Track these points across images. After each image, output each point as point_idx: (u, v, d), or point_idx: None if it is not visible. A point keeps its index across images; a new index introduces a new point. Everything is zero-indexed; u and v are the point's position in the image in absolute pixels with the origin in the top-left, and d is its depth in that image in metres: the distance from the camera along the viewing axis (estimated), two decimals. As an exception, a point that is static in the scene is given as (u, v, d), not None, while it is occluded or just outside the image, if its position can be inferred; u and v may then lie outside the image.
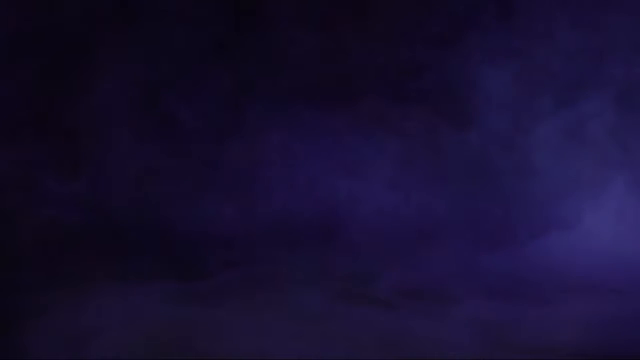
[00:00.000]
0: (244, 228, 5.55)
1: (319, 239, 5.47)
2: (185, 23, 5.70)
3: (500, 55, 5.66)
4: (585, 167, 5.57)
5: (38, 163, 5.48)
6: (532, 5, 5.61)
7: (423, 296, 4.49)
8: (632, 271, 4.88)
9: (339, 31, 5.72)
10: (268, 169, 5.75)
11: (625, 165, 5.54)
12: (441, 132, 5.73)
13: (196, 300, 4.37)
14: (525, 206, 5.58)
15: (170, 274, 4.81)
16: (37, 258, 4.96)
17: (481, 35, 5.65)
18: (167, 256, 5.17)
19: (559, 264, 5.01)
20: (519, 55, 5.65)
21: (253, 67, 5.74)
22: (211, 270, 4.91)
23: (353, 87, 5.75)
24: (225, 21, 5.71)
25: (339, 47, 5.73)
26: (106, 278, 4.66)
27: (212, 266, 4.98)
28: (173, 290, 4.52)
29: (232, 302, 4.35)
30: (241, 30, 5.71)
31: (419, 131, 5.74)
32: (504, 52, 5.65)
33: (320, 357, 3.54)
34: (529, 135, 5.66)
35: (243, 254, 5.24)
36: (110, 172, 5.61)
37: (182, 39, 5.69)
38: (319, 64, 5.74)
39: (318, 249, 5.33)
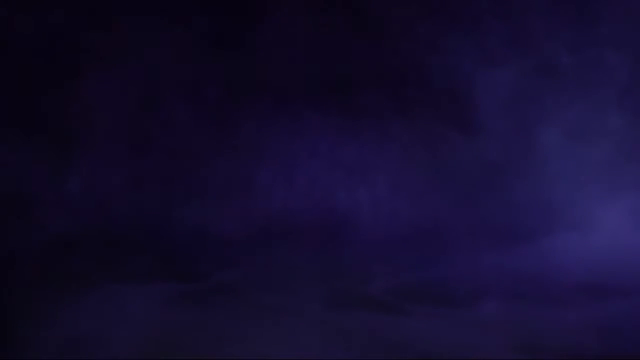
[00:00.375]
0: (243, 228, 5.55)
1: (318, 239, 5.47)
2: (185, 23, 5.70)
3: (502, 56, 5.65)
4: (595, 167, 5.56)
5: (33, 165, 5.48)
6: (534, 5, 5.60)
7: (424, 298, 4.47)
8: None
9: (339, 32, 5.72)
10: (268, 168, 5.74)
11: (635, 165, 5.52)
12: (442, 132, 5.72)
13: (195, 302, 4.36)
14: (532, 207, 5.57)
15: (168, 275, 4.80)
16: (35, 260, 4.96)
17: (482, 37, 5.65)
18: (165, 257, 5.16)
19: (566, 265, 4.99)
20: (522, 56, 5.65)
21: (253, 67, 5.73)
22: (210, 271, 4.91)
23: (354, 88, 5.75)
24: (225, 20, 5.71)
25: (340, 48, 5.73)
26: (105, 280, 4.65)
27: (211, 267, 4.97)
28: (171, 292, 4.52)
29: (232, 303, 4.34)
30: (241, 30, 5.71)
31: (420, 131, 5.73)
32: (506, 53, 5.65)
33: (321, 358, 3.54)
34: (535, 135, 5.65)
35: (243, 254, 5.24)
36: (108, 173, 5.61)
37: (180, 39, 5.68)
38: (318, 64, 5.74)
39: (318, 250, 5.32)
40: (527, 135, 5.67)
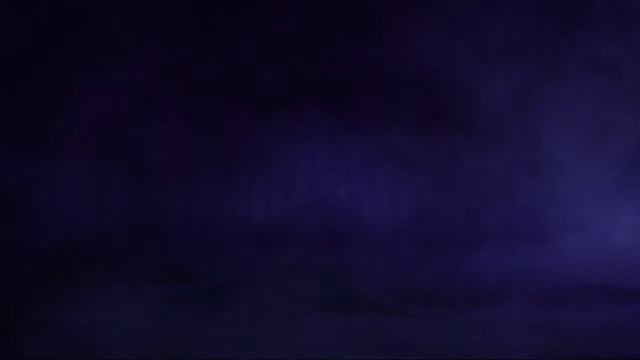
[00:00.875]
0: (243, 228, 5.54)
1: (318, 239, 5.46)
2: (183, 23, 5.69)
3: (505, 58, 5.64)
4: (605, 168, 5.54)
5: (31, 166, 5.48)
6: (536, 6, 5.60)
7: (426, 299, 4.46)
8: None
9: (338, 32, 5.72)
10: (268, 169, 5.73)
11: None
12: (443, 133, 5.71)
13: (194, 302, 4.36)
14: (540, 208, 5.55)
15: (168, 276, 4.80)
16: (33, 262, 4.95)
17: (484, 38, 5.65)
18: (165, 258, 5.16)
19: (575, 267, 4.97)
20: (525, 58, 5.64)
21: (253, 67, 5.73)
22: (210, 271, 4.90)
23: (353, 88, 5.74)
24: (222, 20, 5.70)
25: (339, 48, 5.72)
26: (103, 280, 4.65)
27: (211, 267, 4.97)
28: (171, 292, 4.52)
29: (232, 303, 4.34)
30: (238, 30, 5.70)
31: (421, 131, 5.73)
32: (509, 55, 5.64)
33: (320, 358, 3.53)
34: (540, 137, 5.64)
35: (243, 254, 5.23)
36: (106, 174, 5.60)
37: (179, 38, 5.68)
38: (318, 64, 5.73)
39: (318, 250, 5.32)
40: (531, 136, 5.66)
